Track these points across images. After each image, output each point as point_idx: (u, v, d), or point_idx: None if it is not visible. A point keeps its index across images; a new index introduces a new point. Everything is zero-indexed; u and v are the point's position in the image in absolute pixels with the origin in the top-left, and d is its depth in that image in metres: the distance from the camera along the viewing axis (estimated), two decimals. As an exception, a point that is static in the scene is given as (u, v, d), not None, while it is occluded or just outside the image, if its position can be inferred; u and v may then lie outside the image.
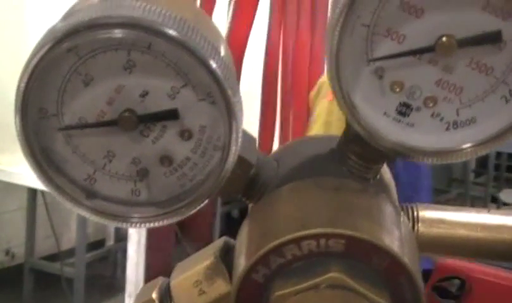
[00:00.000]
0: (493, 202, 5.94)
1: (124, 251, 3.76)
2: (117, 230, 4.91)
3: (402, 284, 0.47)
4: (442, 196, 6.55)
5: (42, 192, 4.05)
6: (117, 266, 4.72)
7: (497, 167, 6.88)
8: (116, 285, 4.44)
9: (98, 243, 4.99)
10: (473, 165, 6.89)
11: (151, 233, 3.60)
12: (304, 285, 0.46)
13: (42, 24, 3.10)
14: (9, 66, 3.18)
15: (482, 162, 6.75)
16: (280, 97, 4.20)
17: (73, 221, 4.48)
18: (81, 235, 4.17)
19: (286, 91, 4.39)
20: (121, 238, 4.65)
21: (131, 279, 3.13)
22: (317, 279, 0.46)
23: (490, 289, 2.65)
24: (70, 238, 4.56)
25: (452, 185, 7.13)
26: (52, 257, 4.39)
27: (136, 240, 3.13)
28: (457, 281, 2.73)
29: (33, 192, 4.18)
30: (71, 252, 4.32)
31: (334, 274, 0.46)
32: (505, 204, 5.11)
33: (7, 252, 4.58)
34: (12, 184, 3.69)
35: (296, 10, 4.27)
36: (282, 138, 4.16)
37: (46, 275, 4.28)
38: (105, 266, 4.80)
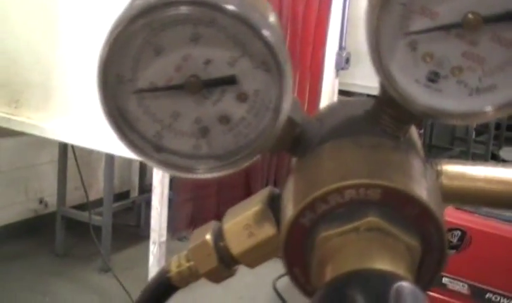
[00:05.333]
0: (493, 160, 5.93)
1: (147, 202, 3.83)
2: (141, 182, 4.95)
3: (429, 229, 0.50)
4: (446, 153, 6.56)
5: (72, 146, 4.08)
6: (141, 216, 4.77)
7: (497, 126, 6.87)
8: (140, 233, 4.51)
9: (124, 195, 5.04)
10: (474, 124, 6.86)
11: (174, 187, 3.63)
12: (346, 227, 0.49)
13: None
14: (41, 31, 3.22)
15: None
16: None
17: (100, 174, 4.54)
18: (108, 187, 4.22)
19: (293, 54, 4.40)
20: (145, 190, 4.69)
21: (155, 228, 3.17)
22: (357, 223, 0.49)
23: (488, 239, 2.69)
24: (98, 189, 4.61)
25: (455, 143, 7.13)
26: (81, 207, 4.44)
27: (159, 191, 3.16)
28: (457, 232, 2.77)
29: (64, 146, 4.22)
30: (98, 202, 4.36)
31: (371, 219, 0.49)
32: (504, 161, 5.10)
33: (40, 201, 4.64)
34: (44, 139, 3.72)
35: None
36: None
37: (76, 223, 4.33)
38: (130, 216, 4.85)
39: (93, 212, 4.26)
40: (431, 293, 2.69)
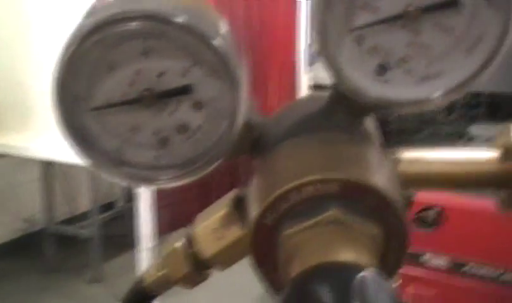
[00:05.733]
0: (461, 138, 5.96)
1: (132, 211, 3.80)
2: (126, 192, 4.94)
3: (389, 216, 0.50)
4: (416, 136, 6.58)
5: (54, 164, 4.07)
6: (127, 225, 4.75)
7: (465, 105, 6.90)
8: (129, 241, 4.48)
9: (109, 205, 5.01)
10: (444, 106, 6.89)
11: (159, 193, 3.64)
12: (308, 223, 0.49)
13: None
14: (15, 48, 3.20)
15: (450, 102, 6.77)
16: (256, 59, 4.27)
17: (85, 187, 4.50)
18: (94, 199, 4.20)
19: (264, 54, 4.44)
20: (130, 199, 4.67)
21: (142, 235, 3.17)
22: (318, 218, 0.49)
23: (463, 215, 2.72)
24: (84, 202, 4.58)
25: (424, 126, 7.16)
26: (69, 221, 4.43)
27: (144, 198, 3.16)
28: (434, 211, 2.78)
29: (46, 163, 4.21)
30: (86, 215, 4.35)
31: (331, 213, 0.49)
32: (471, 138, 5.12)
33: (27, 220, 4.61)
34: (24, 159, 3.70)
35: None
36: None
37: (65, 237, 4.33)
38: (117, 226, 4.83)
39: (81, 225, 4.26)
40: (412, 270, 2.72)
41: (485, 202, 2.59)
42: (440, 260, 2.70)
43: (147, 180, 0.54)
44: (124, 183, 0.54)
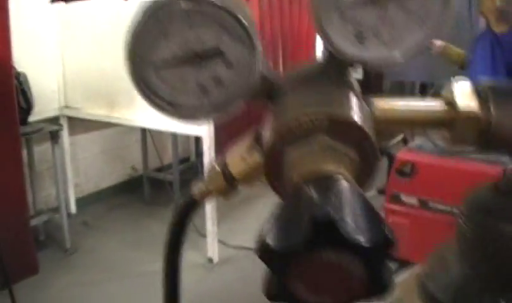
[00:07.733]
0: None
1: (201, 163, 3.81)
2: (197, 149, 4.95)
3: (365, 145, 0.47)
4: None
5: (150, 130, 4.09)
6: (198, 173, 4.77)
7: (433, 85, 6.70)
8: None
9: (186, 159, 5.04)
10: (417, 86, 6.60)
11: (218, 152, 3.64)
12: (305, 146, 0.47)
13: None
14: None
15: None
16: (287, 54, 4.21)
17: (169, 146, 4.54)
18: (175, 154, 4.23)
19: (294, 55, 4.39)
20: (199, 154, 4.69)
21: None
22: (312, 142, 0.47)
23: (429, 168, 2.72)
24: (168, 157, 4.62)
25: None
26: (159, 169, 4.47)
27: (208, 155, 3.18)
28: (409, 165, 2.76)
29: (144, 130, 4.24)
30: (170, 166, 4.38)
31: (322, 138, 0.46)
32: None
33: (132, 168, 4.67)
34: (129, 127, 3.73)
35: None
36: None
37: (156, 180, 4.37)
38: (191, 173, 4.86)
39: (167, 172, 4.29)
40: (393, 206, 2.74)
41: (443, 160, 2.61)
42: (412, 199, 2.73)
43: (192, 117, 0.52)
44: (175, 120, 0.52)
